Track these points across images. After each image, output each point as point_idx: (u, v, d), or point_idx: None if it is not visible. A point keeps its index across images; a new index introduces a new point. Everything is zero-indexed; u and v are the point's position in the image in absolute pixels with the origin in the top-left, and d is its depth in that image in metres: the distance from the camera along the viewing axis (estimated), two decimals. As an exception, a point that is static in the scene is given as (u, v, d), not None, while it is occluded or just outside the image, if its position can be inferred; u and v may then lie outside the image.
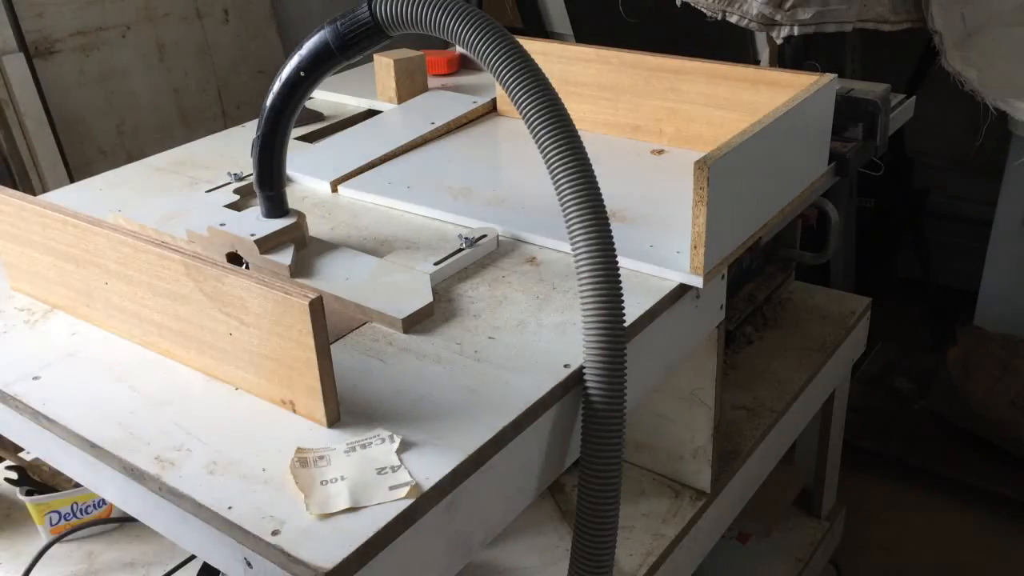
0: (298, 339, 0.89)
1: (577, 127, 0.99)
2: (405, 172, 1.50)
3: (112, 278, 1.07)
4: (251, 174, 1.25)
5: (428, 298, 1.12)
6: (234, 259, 1.21)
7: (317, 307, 0.87)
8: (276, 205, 1.24)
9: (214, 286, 0.95)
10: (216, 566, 0.90)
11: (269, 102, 1.16)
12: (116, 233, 1.03)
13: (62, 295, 1.16)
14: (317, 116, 1.78)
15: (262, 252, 1.20)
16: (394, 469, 0.86)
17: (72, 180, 2.33)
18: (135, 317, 1.07)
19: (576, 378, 1.00)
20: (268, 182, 1.22)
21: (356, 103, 1.85)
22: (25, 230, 1.14)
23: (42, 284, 1.18)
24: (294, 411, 0.95)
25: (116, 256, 1.04)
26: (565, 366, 1.00)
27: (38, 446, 1.06)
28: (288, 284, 0.91)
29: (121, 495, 0.97)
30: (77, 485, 1.35)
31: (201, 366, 1.03)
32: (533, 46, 1.46)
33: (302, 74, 1.13)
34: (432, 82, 1.86)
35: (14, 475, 1.41)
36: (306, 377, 0.91)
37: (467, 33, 1.00)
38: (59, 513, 1.37)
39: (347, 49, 1.10)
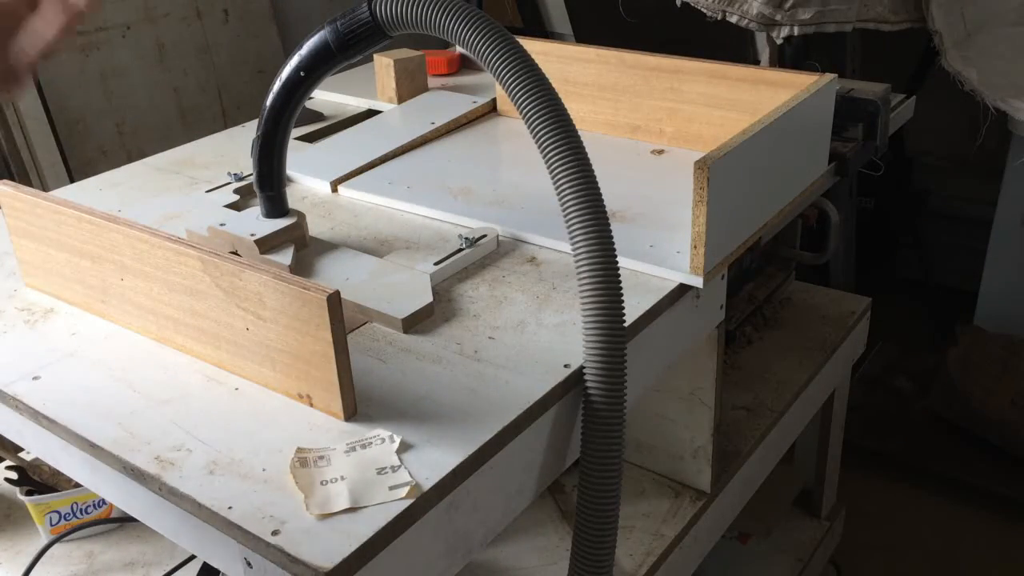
0: (316, 334, 0.90)
1: (577, 127, 0.99)
2: (405, 172, 1.50)
3: (128, 274, 1.07)
4: (251, 174, 1.25)
5: (428, 298, 1.12)
6: (234, 259, 1.22)
7: (335, 302, 0.88)
8: (276, 205, 1.24)
9: (231, 282, 0.96)
10: (216, 566, 0.90)
11: (269, 102, 1.16)
12: (132, 229, 1.03)
13: (77, 291, 1.16)
14: (317, 116, 1.78)
15: (262, 252, 1.20)
16: (394, 469, 0.86)
17: (72, 180, 2.33)
18: (151, 313, 1.07)
19: (576, 378, 1.00)
20: (268, 182, 1.22)
21: (356, 103, 1.85)
22: (39, 227, 1.14)
23: (57, 281, 1.18)
24: (311, 405, 0.95)
25: (132, 252, 1.05)
26: (565, 366, 1.00)
27: (38, 446, 1.06)
28: (305, 280, 0.91)
29: (121, 495, 0.97)
30: (77, 485, 1.35)
31: (217, 361, 1.03)
32: (533, 46, 1.46)
33: (302, 74, 1.13)
34: (432, 82, 1.86)
35: (14, 475, 1.41)
36: (323, 371, 0.92)
37: (467, 33, 1.00)
38: (59, 513, 1.37)
39: (347, 49, 1.10)
